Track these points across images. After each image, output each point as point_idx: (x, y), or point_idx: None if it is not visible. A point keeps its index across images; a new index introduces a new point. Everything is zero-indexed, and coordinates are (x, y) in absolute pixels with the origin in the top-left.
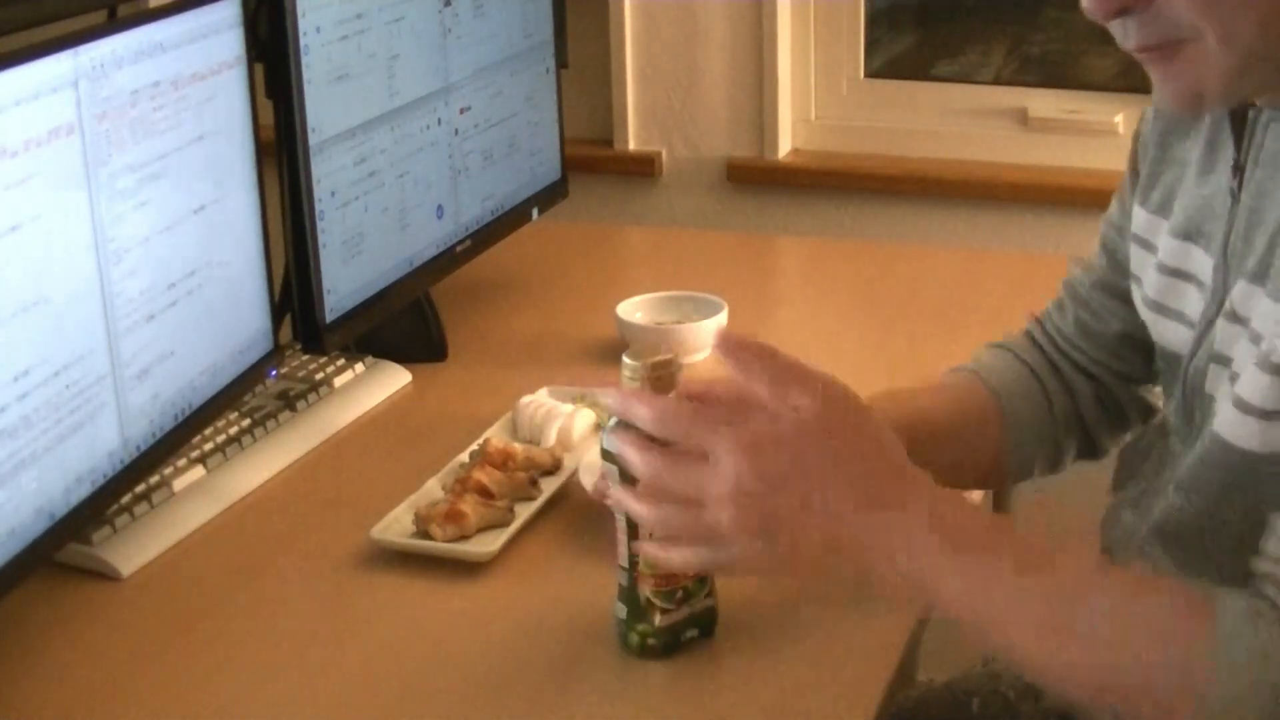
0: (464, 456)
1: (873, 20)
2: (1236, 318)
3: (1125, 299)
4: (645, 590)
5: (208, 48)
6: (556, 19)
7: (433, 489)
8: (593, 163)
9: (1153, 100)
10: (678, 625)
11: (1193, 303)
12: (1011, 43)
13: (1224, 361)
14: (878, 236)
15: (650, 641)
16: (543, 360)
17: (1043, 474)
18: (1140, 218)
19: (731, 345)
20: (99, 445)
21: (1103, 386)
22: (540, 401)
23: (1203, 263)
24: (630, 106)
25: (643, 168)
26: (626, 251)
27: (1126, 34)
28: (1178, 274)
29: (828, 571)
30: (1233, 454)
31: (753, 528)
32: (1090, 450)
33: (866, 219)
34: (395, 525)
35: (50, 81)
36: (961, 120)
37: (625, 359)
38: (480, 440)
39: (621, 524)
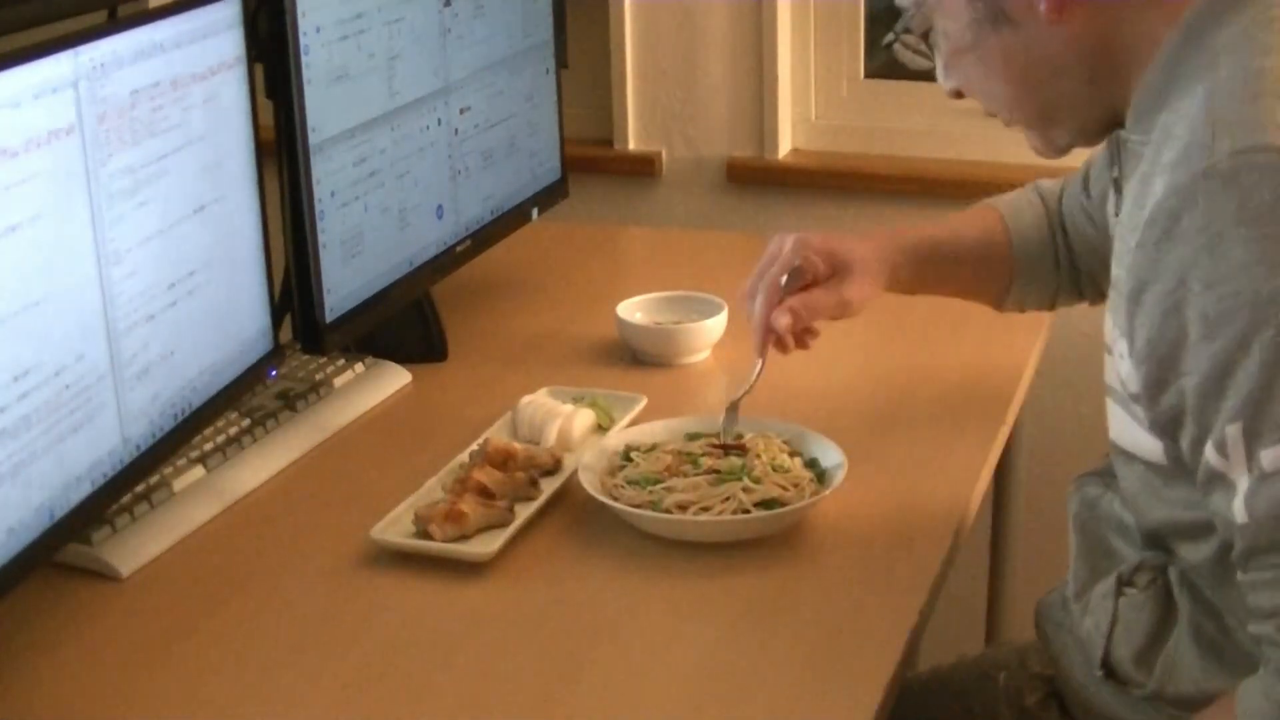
0: (464, 456)
1: (873, 20)
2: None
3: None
4: None
5: (208, 48)
6: (556, 19)
7: (433, 489)
8: (593, 163)
9: None
10: None
11: None
12: None
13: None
14: None
15: None
16: (543, 360)
17: (1036, 309)
18: None
19: None
20: (99, 445)
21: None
22: (540, 401)
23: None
24: (630, 106)
25: (643, 168)
26: (626, 251)
27: None
28: None
29: None
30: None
31: None
32: (1079, 297)
33: (866, 219)
34: (395, 525)
35: (50, 81)
36: (961, 120)
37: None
38: (480, 440)
39: None
